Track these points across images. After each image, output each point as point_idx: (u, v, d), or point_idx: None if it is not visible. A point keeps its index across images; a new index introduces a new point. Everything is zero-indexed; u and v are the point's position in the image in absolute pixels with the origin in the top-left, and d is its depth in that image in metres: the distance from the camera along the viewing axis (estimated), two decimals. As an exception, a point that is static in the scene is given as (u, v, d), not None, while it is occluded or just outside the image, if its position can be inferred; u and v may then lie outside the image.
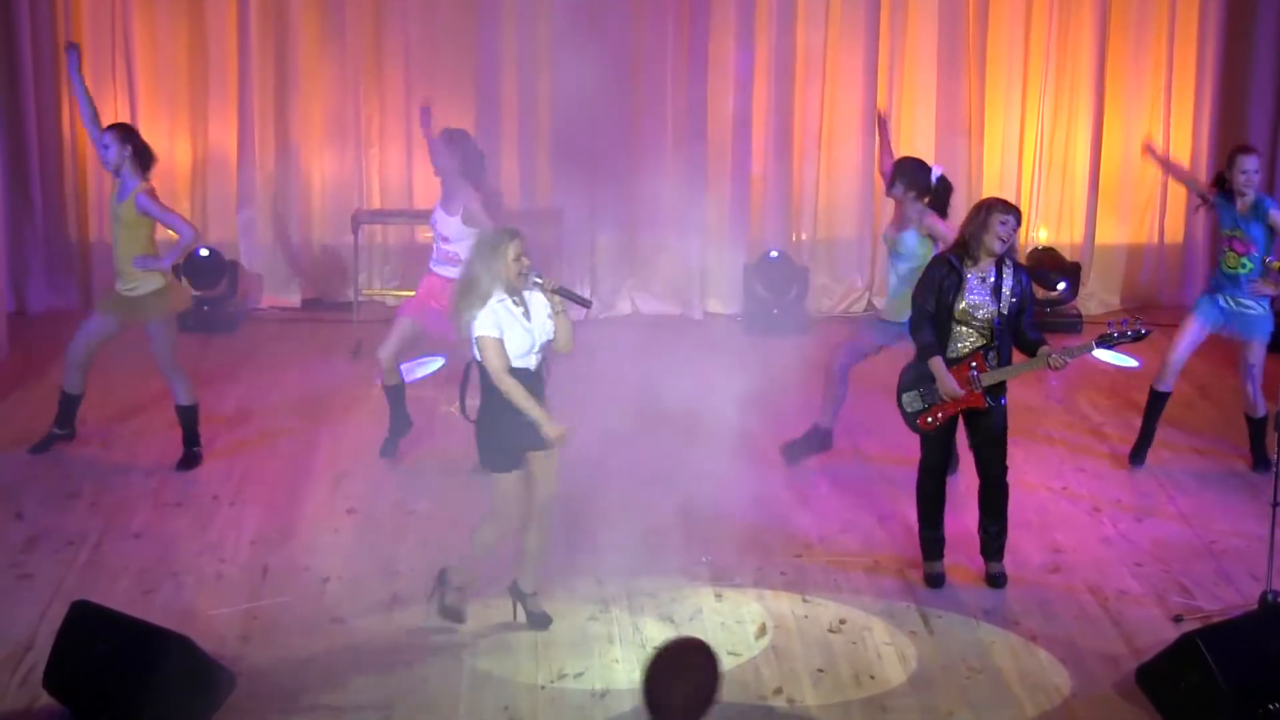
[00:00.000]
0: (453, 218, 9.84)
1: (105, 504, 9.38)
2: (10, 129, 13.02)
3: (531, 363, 7.53)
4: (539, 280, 7.50)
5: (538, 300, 7.56)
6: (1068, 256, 13.64)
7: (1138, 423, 10.35)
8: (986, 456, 8.33)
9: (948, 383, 8.16)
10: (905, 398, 8.36)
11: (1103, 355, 9.31)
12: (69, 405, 10.07)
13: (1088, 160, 13.72)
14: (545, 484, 7.71)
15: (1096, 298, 13.90)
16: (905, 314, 9.05)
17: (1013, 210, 8.13)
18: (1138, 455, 10.17)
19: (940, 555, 8.48)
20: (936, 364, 8.19)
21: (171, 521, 9.15)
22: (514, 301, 7.48)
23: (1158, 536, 9.11)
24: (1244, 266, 9.74)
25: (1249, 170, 9.69)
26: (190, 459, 10.00)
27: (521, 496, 7.68)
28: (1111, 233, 13.94)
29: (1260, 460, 9.96)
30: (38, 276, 13.46)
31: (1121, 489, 9.82)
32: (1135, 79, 13.86)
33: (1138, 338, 8.24)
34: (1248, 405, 9.99)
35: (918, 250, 9.47)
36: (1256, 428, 10.03)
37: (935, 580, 8.43)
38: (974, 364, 8.15)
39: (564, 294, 7.62)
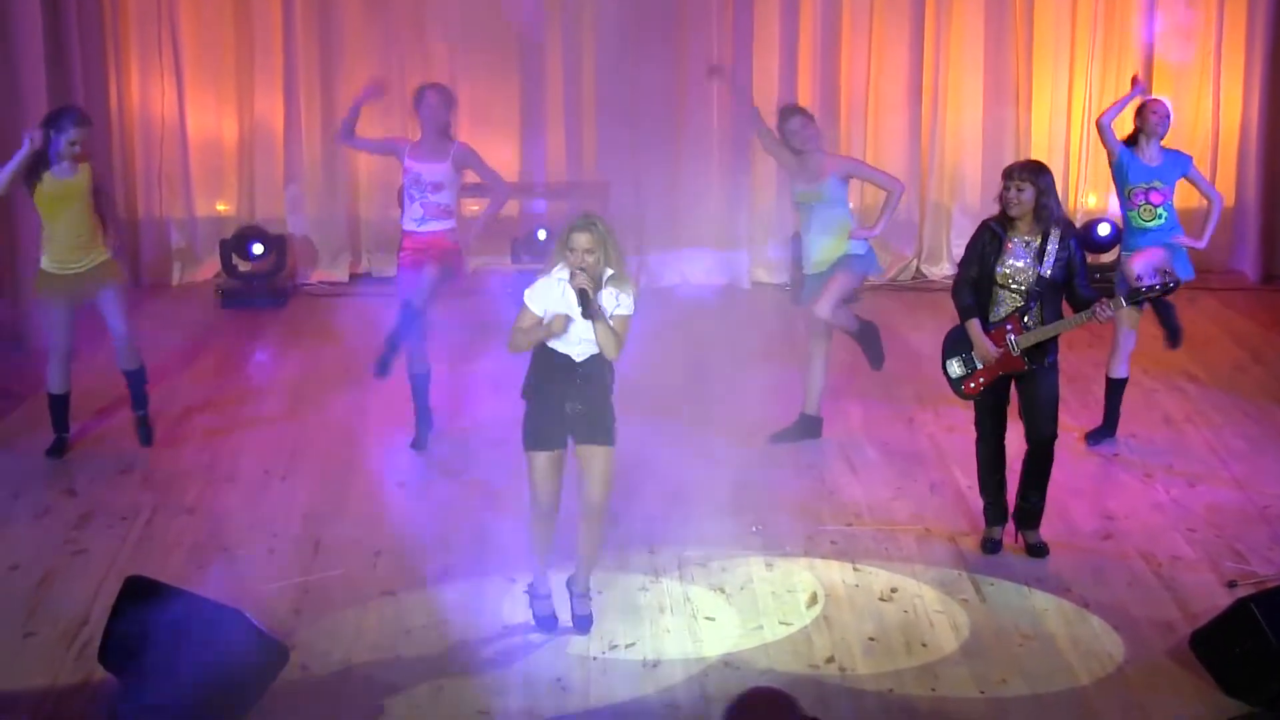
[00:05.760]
0: (442, 163, 9.59)
1: (157, 479, 9.42)
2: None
3: (574, 353, 7.29)
4: (571, 280, 7.13)
5: (606, 297, 7.21)
6: (1119, 222, 13.53)
7: (1189, 388, 10.26)
8: (1034, 422, 8.22)
9: (982, 345, 8.14)
10: (949, 364, 8.35)
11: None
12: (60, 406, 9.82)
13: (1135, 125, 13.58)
14: (591, 482, 7.45)
15: (1147, 261, 13.79)
16: (827, 263, 9.61)
17: (1015, 174, 8.02)
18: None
19: (999, 521, 8.42)
20: (972, 326, 8.18)
21: (223, 496, 9.18)
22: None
23: (1211, 502, 9.04)
24: (1159, 218, 9.65)
25: (1160, 112, 9.64)
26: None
27: (549, 481, 7.44)
28: (1161, 197, 13.83)
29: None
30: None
31: (1173, 454, 9.75)
32: (1183, 41, 13.75)
33: (1165, 291, 8.24)
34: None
35: (840, 193, 9.69)
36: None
37: (991, 546, 8.38)
38: (1009, 326, 8.11)
39: (581, 300, 7.12)
